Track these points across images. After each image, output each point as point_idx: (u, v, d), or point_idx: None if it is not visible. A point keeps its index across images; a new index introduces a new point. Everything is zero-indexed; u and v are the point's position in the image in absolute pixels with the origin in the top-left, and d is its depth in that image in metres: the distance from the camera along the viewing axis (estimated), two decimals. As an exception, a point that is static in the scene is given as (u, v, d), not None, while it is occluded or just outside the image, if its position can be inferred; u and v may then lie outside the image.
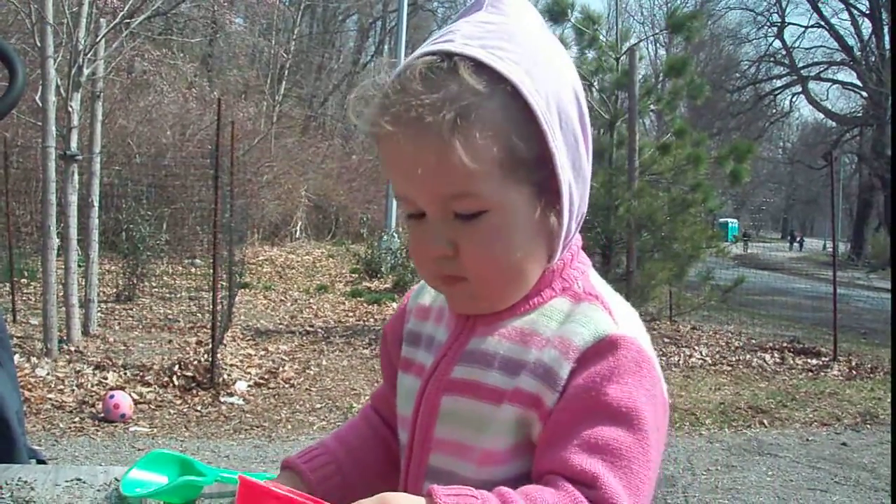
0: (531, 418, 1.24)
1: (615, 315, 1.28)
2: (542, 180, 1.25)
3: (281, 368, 10.43)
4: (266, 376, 10.04)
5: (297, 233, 30.42)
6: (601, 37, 15.14)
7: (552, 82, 1.25)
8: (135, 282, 15.48)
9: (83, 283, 11.60)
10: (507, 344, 1.30)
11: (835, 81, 58.40)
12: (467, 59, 1.21)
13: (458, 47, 1.23)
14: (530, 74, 1.22)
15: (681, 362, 12.26)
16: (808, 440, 8.60)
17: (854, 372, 12.08)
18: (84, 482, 2.12)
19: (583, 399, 1.20)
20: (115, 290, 15.41)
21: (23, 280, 15.12)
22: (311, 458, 1.51)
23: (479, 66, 1.21)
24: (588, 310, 1.29)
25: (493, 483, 1.21)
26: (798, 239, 73.59)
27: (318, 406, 9.13)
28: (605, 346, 1.22)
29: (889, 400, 10.22)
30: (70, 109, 10.72)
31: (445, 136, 1.17)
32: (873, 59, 47.03)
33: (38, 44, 10.19)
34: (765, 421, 9.28)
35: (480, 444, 1.28)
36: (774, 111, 62.10)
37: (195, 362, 9.64)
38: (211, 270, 10.40)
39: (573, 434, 1.19)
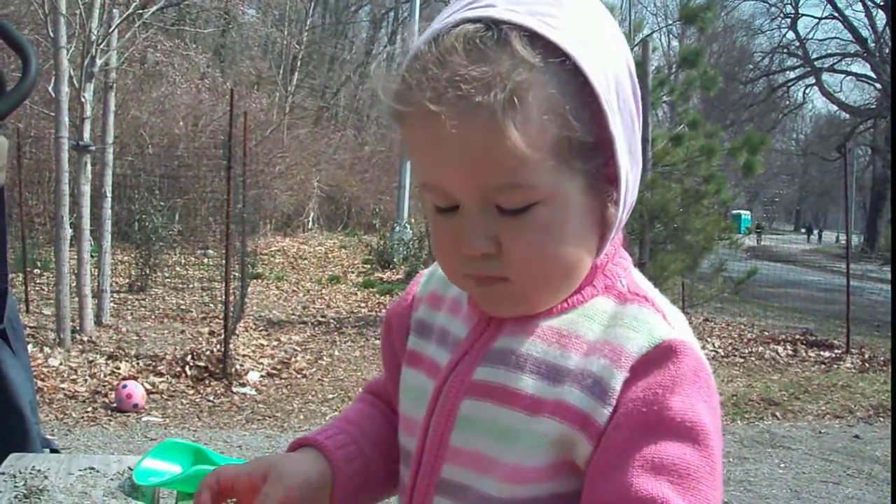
0: (577, 438, 1.09)
1: (668, 318, 1.14)
2: (597, 167, 1.10)
3: (293, 359, 10.45)
4: (278, 367, 10.06)
5: (310, 223, 30.48)
6: (614, 28, 15.10)
7: (609, 55, 1.09)
8: (147, 272, 15.51)
9: (96, 274, 11.63)
10: (541, 345, 1.14)
11: (848, 73, 58.19)
12: (517, 27, 1.03)
13: (503, 13, 1.04)
14: (587, 46, 1.06)
15: (693, 354, 12.22)
16: (820, 433, 8.59)
17: (867, 364, 12.05)
18: (97, 471, 2.13)
19: (643, 414, 1.05)
20: (127, 280, 15.45)
21: (36, 270, 15.17)
22: (332, 435, 1.34)
23: (533, 37, 1.03)
24: (638, 312, 1.14)
25: (515, 503, 1.12)
26: (814, 230, 73.66)
27: (331, 396, 9.14)
28: (662, 354, 1.08)
29: (890, 400, 10.20)
30: (83, 100, 10.74)
31: (499, 119, 1.00)
32: (887, 51, 46.84)
33: (51, 34, 10.19)
34: (777, 413, 9.26)
35: (506, 458, 1.12)
36: (788, 103, 61.92)
37: (208, 352, 9.66)
38: (223, 261, 10.42)
39: (633, 455, 1.04)
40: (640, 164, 1.16)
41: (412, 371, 1.31)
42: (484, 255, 1.10)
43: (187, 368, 9.36)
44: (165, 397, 8.71)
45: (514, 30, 1.03)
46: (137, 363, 9.54)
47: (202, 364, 9.42)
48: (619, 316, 1.14)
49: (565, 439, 1.09)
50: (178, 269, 17.25)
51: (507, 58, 1.01)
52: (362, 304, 15.70)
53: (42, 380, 8.61)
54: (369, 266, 21.05)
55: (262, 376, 9.64)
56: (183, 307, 14.03)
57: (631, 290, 1.18)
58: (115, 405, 8.16)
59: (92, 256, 11.33)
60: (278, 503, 1.19)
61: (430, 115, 1.03)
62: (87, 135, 10.80)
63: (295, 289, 17.49)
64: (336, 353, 11.20)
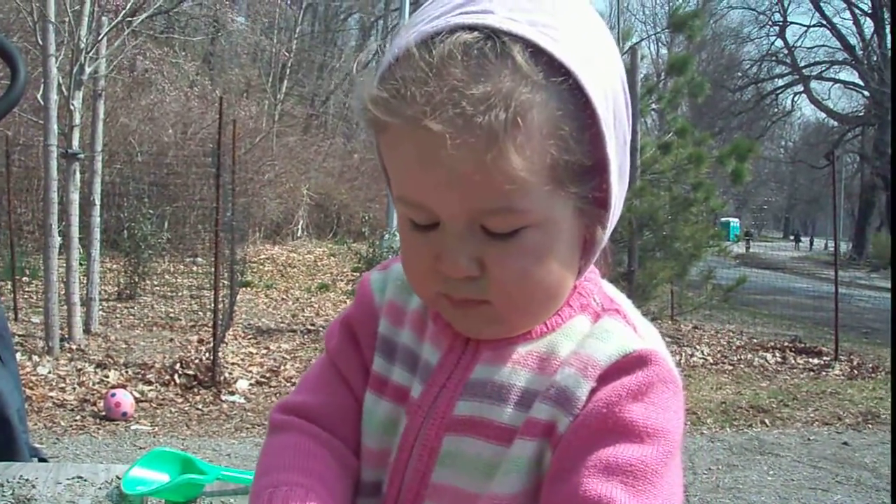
0: (545, 451, 1.05)
1: (639, 329, 1.10)
2: (589, 190, 1.03)
3: (282, 367, 10.43)
4: (267, 375, 10.04)
5: (299, 231, 30.43)
6: (603, 36, 15.15)
7: (608, 70, 1.03)
8: (136, 280, 15.48)
9: (85, 282, 11.60)
10: (524, 373, 1.09)
11: (836, 81, 58.50)
12: (520, 40, 0.95)
13: (503, 23, 0.96)
14: (588, 62, 0.99)
15: (682, 361, 12.25)
16: (809, 440, 8.60)
17: (855, 371, 12.08)
18: (85, 480, 2.12)
19: (603, 416, 1.01)
20: (116, 288, 15.42)
21: (24, 278, 15.13)
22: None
23: (535, 51, 0.95)
24: (609, 324, 1.10)
25: None
26: (802, 238, 74.11)
27: (320, 405, 9.12)
28: (631, 362, 1.04)
29: (890, 400, 10.22)
30: (72, 108, 10.73)
31: (499, 141, 0.93)
32: (875, 59, 47.04)
33: (40, 42, 10.19)
34: (766, 420, 9.28)
35: (486, 491, 1.07)
36: (776, 110, 62.13)
37: (196, 361, 9.65)
38: (212, 269, 10.41)
39: (589, 456, 1.00)
40: (626, 182, 1.10)
41: (376, 397, 1.21)
42: (466, 277, 1.04)
43: (176, 377, 9.34)
44: (154, 406, 8.69)
45: (517, 43, 0.95)
46: (126, 371, 9.52)
47: (191, 372, 9.41)
48: (593, 330, 1.10)
49: (537, 456, 1.06)
50: (167, 277, 17.23)
51: (509, 74, 0.94)
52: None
53: (30, 388, 8.59)
54: (358, 274, 21.01)
55: (251, 385, 9.63)
56: (172, 315, 14.00)
57: (605, 306, 1.14)
58: (103, 414, 8.14)
59: (81, 264, 11.31)
60: None
61: (422, 131, 0.95)
62: (75, 142, 10.79)
63: (284, 297, 17.47)
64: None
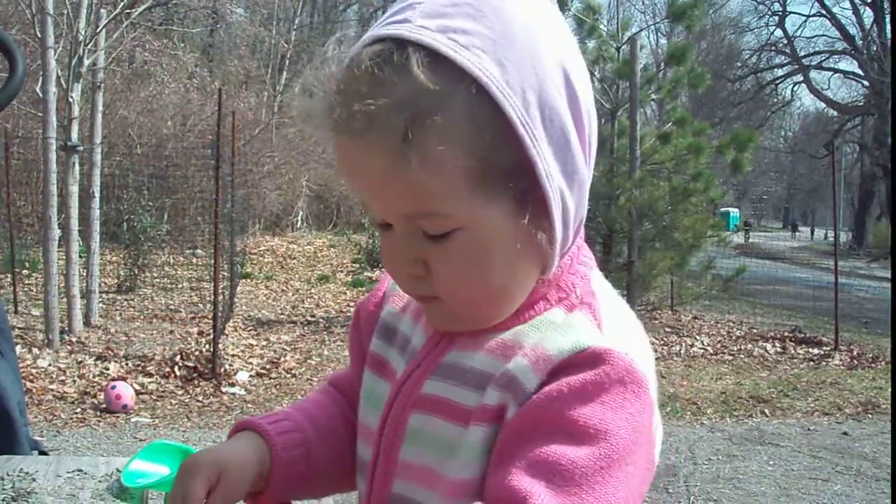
0: (497, 436, 1.05)
1: (604, 325, 1.08)
2: (526, 189, 1.02)
3: (282, 358, 10.44)
4: (268, 366, 10.05)
5: (299, 223, 30.47)
6: (602, 26, 15.15)
7: (533, 68, 1.01)
8: (136, 272, 15.50)
9: (84, 274, 11.61)
10: (485, 358, 1.09)
11: (836, 70, 58.40)
12: (422, 48, 0.98)
13: (411, 32, 0.99)
14: (502, 63, 0.98)
15: (682, 352, 12.26)
16: (809, 430, 8.61)
17: (855, 361, 12.08)
18: (85, 473, 2.12)
19: (543, 409, 0.99)
20: (116, 280, 15.44)
21: (24, 271, 15.14)
22: (276, 421, 1.27)
23: (438, 58, 0.97)
24: (574, 318, 1.09)
25: None
26: (799, 227, 74.37)
27: (320, 396, 9.13)
28: (584, 359, 1.01)
29: (890, 389, 10.23)
30: (71, 100, 10.72)
31: (397, 150, 0.96)
32: (875, 48, 46.96)
33: (39, 35, 10.18)
34: (766, 410, 9.28)
35: (449, 473, 1.08)
36: (776, 100, 62.07)
37: (197, 353, 9.65)
38: (212, 261, 10.41)
39: (522, 449, 0.99)
40: (583, 179, 1.08)
41: (374, 377, 1.27)
42: (414, 276, 1.08)
43: (176, 369, 9.34)
44: (154, 398, 8.69)
45: (418, 52, 0.97)
46: (126, 364, 9.53)
47: (191, 364, 9.41)
48: (559, 324, 1.09)
49: (489, 442, 1.05)
50: (166, 269, 17.21)
51: (406, 84, 0.96)
52: (351, 304, 15.67)
53: (31, 381, 8.59)
54: (358, 265, 21.05)
55: (251, 376, 9.63)
56: (172, 307, 14.01)
57: (582, 300, 1.12)
58: (104, 406, 8.15)
59: (80, 257, 11.32)
60: None
61: (340, 143, 1.02)
62: (75, 135, 10.79)
63: (284, 288, 17.48)
64: (325, 352, 11.19)
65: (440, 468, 1.09)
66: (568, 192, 1.05)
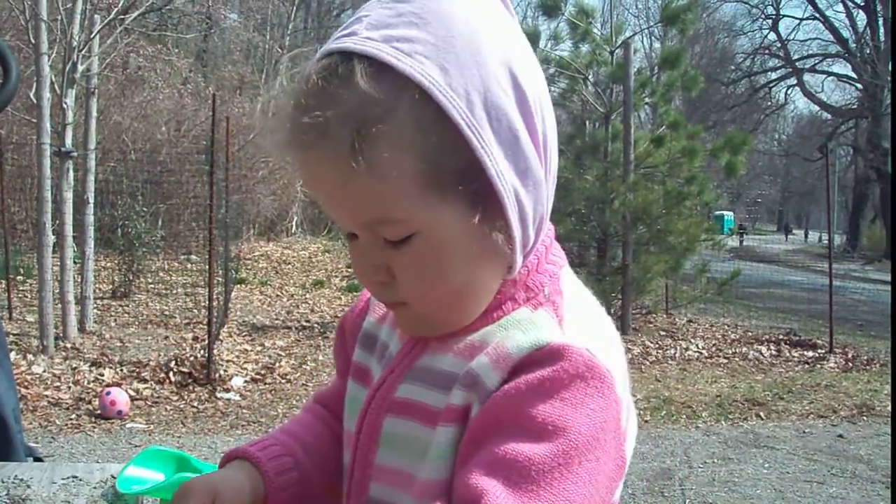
0: (463, 436, 1.06)
1: (566, 322, 1.09)
2: (479, 189, 1.03)
3: (277, 364, 10.43)
4: (262, 372, 10.04)
5: (293, 228, 30.39)
6: (595, 30, 15.20)
7: (477, 70, 1.02)
8: (131, 278, 15.47)
9: (79, 280, 11.59)
10: (454, 359, 1.11)
11: (830, 73, 58.41)
12: (366, 59, 1.00)
13: (357, 44, 1.01)
14: (445, 68, 1.00)
15: (677, 355, 12.27)
16: (804, 432, 8.61)
17: (850, 364, 12.10)
18: (80, 480, 2.13)
19: (502, 407, 1.01)
20: (110, 286, 15.40)
21: (18, 277, 15.11)
22: (265, 447, 1.29)
23: (382, 67, 1.00)
24: (536, 316, 1.10)
25: None
26: (792, 230, 74.91)
27: (315, 401, 9.13)
28: (543, 356, 1.02)
29: (886, 392, 10.25)
30: (65, 106, 10.71)
31: (347, 161, 0.98)
32: (868, 51, 47.09)
33: (33, 40, 10.17)
34: (761, 413, 9.29)
35: (421, 475, 1.09)
36: (769, 104, 62.12)
37: (191, 358, 9.65)
38: (207, 266, 10.40)
39: (482, 448, 1.00)
40: (538, 177, 1.08)
41: (356, 385, 1.28)
42: (380, 283, 1.10)
43: (171, 374, 9.34)
44: (149, 404, 8.68)
45: (363, 63, 1.00)
46: (121, 370, 9.52)
47: (186, 370, 9.41)
48: (522, 321, 1.10)
49: (456, 442, 1.06)
50: (161, 274, 17.19)
51: (351, 95, 0.99)
52: (346, 309, 15.65)
53: (25, 387, 8.58)
54: (352, 271, 21.02)
55: (246, 382, 9.63)
56: (166, 313, 13.99)
57: (549, 298, 1.13)
58: (98, 412, 8.14)
59: (75, 263, 11.31)
60: None
61: (295, 159, 1.05)
62: (69, 141, 10.77)
63: (279, 293, 17.47)
64: (320, 357, 11.18)
65: (414, 471, 1.10)
66: (522, 190, 1.06)
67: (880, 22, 47.01)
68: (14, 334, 10.85)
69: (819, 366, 11.99)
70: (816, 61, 56.92)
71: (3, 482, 2.08)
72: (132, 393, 8.71)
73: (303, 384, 9.79)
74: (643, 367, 11.47)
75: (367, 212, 1.04)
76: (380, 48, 1.00)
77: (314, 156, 1.02)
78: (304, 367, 10.61)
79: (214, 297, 9.99)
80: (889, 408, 9.41)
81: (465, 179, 1.03)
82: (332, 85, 1.00)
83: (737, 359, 12.35)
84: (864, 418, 9.20)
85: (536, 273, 1.15)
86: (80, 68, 10.97)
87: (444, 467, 1.06)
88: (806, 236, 73.88)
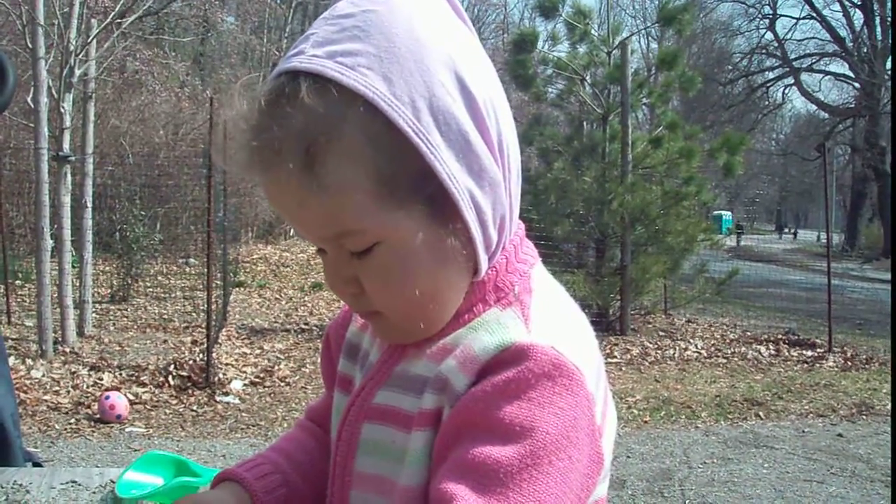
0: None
1: (532, 321, 1.08)
2: (433, 194, 1.04)
3: (276, 367, 10.43)
4: (261, 375, 10.04)
5: (292, 231, 30.38)
6: (593, 31, 15.18)
7: (421, 77, 1.03)
8: (129, 282, 15.47)
9: (77, 284, 11.60)
10: (426, 363, 1.12)
11: (827, 73, 58.38)
12: (312, 76, 1.01)
13: (303, 62, 1.03)
14: (388, 77, 1.01)
15: (676, 355, 12.28)
16: (803, 432, 8.62)
17: (849, 363, 12.11)
18: (79, 484, 2.12)
19: (469, 411, 1.01)
20: (109, 290, 15.41)
21: (17, 282, 15.11)
22: (253, 466, 1.31)
23: (327, 82, 1.00)
24: (503, 316, 1.10)
25: None
26: (786, 229, 75.48)
27: (315, 404, 9.12)
28: (509, 356, 1.02)
29: (885, 390, 10.25)
30: (62, 110, 10.71)
31: (300, 178, 1.00)
32: (865, 50, 47.07)
33: (30, 45, 10.16)
34: (760, 413, 9.29)
35: (400, 480, 1.09)
36: (767, 103, 62.03)
37: (190, 362, 9.65)
38: (205, 269, 10.39)
39: (452, 451, 1.01)
40: (495, 178, 1.08)
41: (340, 394, 1.29)
42: (351, 294, 1.12)
43: (170, 378, 9.33)
44: (149, 408, 8.68)
45: (308, 80, 1.01)
46: (120, 374, 9.51)
47: (185, 374, 9.41)
48: (489, 322, 1.10)
49: (431, 446, 1.07)
50: (159, 278, 17.20)
51: (298, 113, 1.00)
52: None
53: (24, 392, 8.58)
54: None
55: (245, 385, 9.62)
56: (165, 317, 13.99)
57: (518, 297, 1.13)
58: (98, 416, 8.14)
59: (73, 267, 11.31)
60: None
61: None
62: (66, 145, 10.77)
63: (277, 296, 17.47)
64: (319, 360, 11.17)
65: (393, 476, 1.11)
66: (478, 191, 1.06)
67: (877, 20, 47.03)
68: (13, 339, 10.85)
69: (818, 365, 11.99)
70: (813, 60, 56.88)
71: (2, 487, 2.08)
72: (131, 397, 8.71)
73: (302, 387, 9.79)
74: (642, 367, 11.47)
75: (328, 226, 1.05)
76: (324, 64, 1.02)
77: (271, 176, 1.03)
78: (303, 369, 10.60)
79: (213, 300, 9.99)
80: (888, 406, 9.42)
81: (419, 185, 1.03)
82: (279, 105, 1.01)
83: (736, 358, 12.35)
84: (864, 417, 9.21)
85: (506, 273, 1.15)
86: (78, 72, 10.97)
87: (421, 472, 1.07)
88: (794, 235, 74.49)
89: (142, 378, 9.36)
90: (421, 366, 1.12)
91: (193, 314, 13.84)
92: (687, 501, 6.51)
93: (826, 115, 58.88)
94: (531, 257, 1.19)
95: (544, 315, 1.10)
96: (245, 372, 10.09)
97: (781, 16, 59.29)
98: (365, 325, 1.29)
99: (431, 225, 1.06)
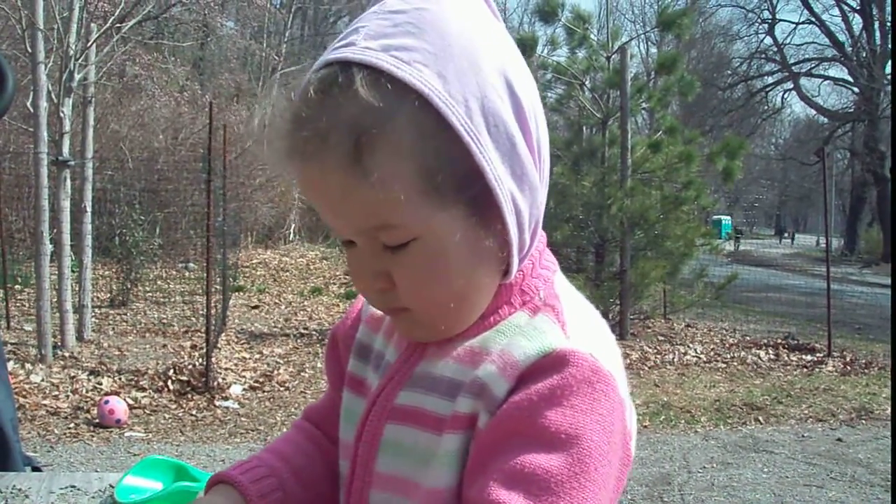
0: (470, 444, 1.07)
1: (568, 327, 1.09)
2: (477, 194, 1.05)
3: (276, 371, 10.42)
4: (261, 379, 10.03)
5: (291, 235, 30.40)
6: (592, 36, 15.21)
7: (474, 78, 1.04)
8: (129, 286, 15.45)
9: (77, 289, 11.58)
10: (454, 365, 1.12)
11: (826, 77, 58.49)
12: (366, 68, 1.01)
13: (356, 53, 1.02)
14: (443, 76, 1.02)
15: (675, 360, 12.27)
16: (803, 436, 8.61)
17: (849, 367, 12.11)
18: (79, 489, 2.12)
19: (515, 419, 1.01)
20: (108, 295, 15.39)
21: (16, 286, 15.09)
22: (248, 469, 1.31)
23: (382, 75, 1.00)
24: (539, 322, 1.11)
25: None
26: (785, 233, 75.72)
27: (314, 409, 9.11)
28: (550, 363, 1.03)
29: (884, 395, 10.25)
30: (61, 115, 10.71)
31: (348, 169, 1.00)
32: (864, 55, 47.15)
33: (29, 49, 10.16)
34: (760, 418, 9.29)
35: (425, 482, 1.10)
36: (766, 108, 62.08)
37: (190, 366, 9.64)
38: (205, 274, 10.39)
39: (497, 461, 1.01)
40: (534, 182, 1.10)
41: (352, 395, 1.29)
42: (380, 289, 1.11)
43: (169, 383, 9.32)
44: (148, 412, 8.67)
45: (362, 71, 1.01)
46: (119, 378, 9.50)
47: (184, 378, 9.40)
48: (524, 327, 1.11)
49: (463, 450, 1.07)
50: (159, 283, 17.18)
51: (351, 104, 1.00)
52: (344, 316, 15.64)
53: (23, 396, 8.57)
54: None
55: (244, 389, 9.62)
56: (165, 321, 13.97)
57: (546, 302, 1.14)
58: (97, 421, 8.13)
59: (73, 271, 11.30)
60: None
61: (296, 167, 1.05)
62: (66, 150, 10.76)
63: (277, 301, 17.44)
64: (319, 364, 11.16)
65: (416, 478, 1.11)
66: (519, 194, 1.08)
67: (876, 25, 47.09)
68: (12, 343, 10.84)
69: (817, 369, 11.99)
70: (813, 65, 57.01)
71: (1, 492, 2.08)
72: (130, 401, 8.70)
73: (301, 392, 9.78)
74: (641, 372, 11.46)
75: (368, 219, 1.05)
76: (379, 57, 1.01)
77: (315, 166, 1.02)
78: (302, 374, 10.59)
79: (212, 305, 9.99)
80: (888, 411, 9.41)
81: (464, 185, 1.04)
82: (331, 94, 1.01)
83: (735, 363, 12.35)
84: (863, 422, 9.21)
85: (531, 277, 1.16)
86: (77, 77, 10.97)
87: (449, 475, 1.07)
88: (792, 239, 74.78)
89: (141, 382, 9.36)
90: (447, 367, 1.13)
91: (193, 319, 13.83)
92: (686, 506, 6.51)
93: (825, 120, 59.02)
94: (552, 264, 1.21)
95: (578, 321, 1.12)
96: (244, 376, 10.09)
97: (781, 20, 59.23)
98: (377, 325, 1.31)
99: (471, 225, 1.07)
